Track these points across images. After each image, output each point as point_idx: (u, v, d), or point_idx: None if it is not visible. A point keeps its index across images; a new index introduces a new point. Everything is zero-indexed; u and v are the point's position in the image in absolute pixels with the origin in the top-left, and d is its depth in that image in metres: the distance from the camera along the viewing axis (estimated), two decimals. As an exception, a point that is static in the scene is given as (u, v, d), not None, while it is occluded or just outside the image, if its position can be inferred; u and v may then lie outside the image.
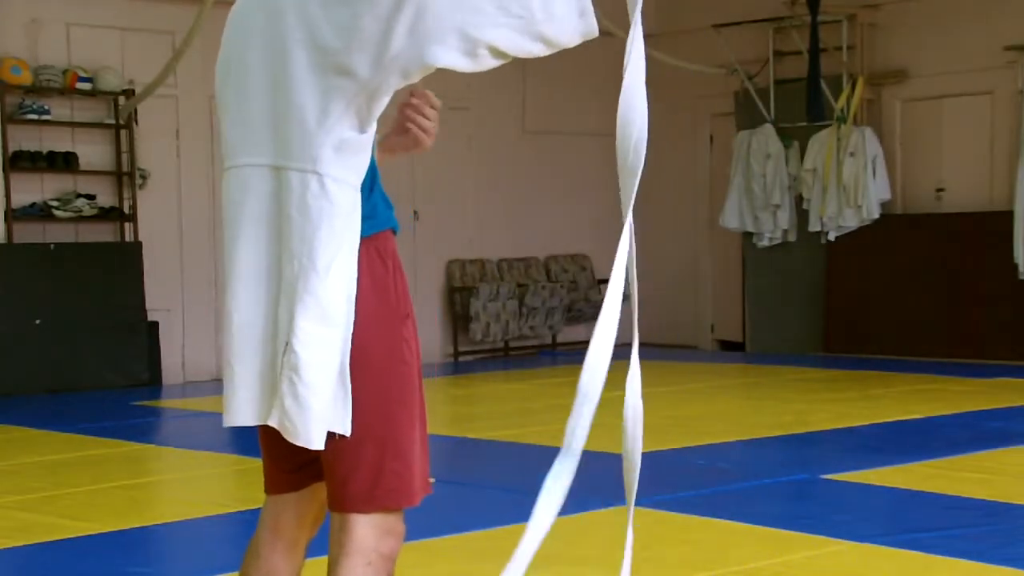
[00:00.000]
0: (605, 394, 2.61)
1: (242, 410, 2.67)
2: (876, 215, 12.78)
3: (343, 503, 2.71)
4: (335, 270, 2.57)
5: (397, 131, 2.83)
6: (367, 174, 2.65)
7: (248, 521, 4.77)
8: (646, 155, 2.61)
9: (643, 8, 2.55)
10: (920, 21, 12.88)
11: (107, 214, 11.58)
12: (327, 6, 2.54)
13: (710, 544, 5.28)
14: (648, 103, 2.62)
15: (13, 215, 11.09)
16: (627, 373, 2.68)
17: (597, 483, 6.63)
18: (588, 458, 8.11)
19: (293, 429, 2.60)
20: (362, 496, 2.70)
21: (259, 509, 2.95)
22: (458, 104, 13.34)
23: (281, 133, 2.61)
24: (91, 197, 11.50)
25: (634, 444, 2.68)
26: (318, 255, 2.56)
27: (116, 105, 11.58)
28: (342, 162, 2.58)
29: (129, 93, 11.51)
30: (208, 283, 11.88)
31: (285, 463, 2.83)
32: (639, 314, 2.73)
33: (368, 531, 2.71)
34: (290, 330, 2.58)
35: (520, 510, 6.14)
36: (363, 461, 2.69)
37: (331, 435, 2.65)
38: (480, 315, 13.35)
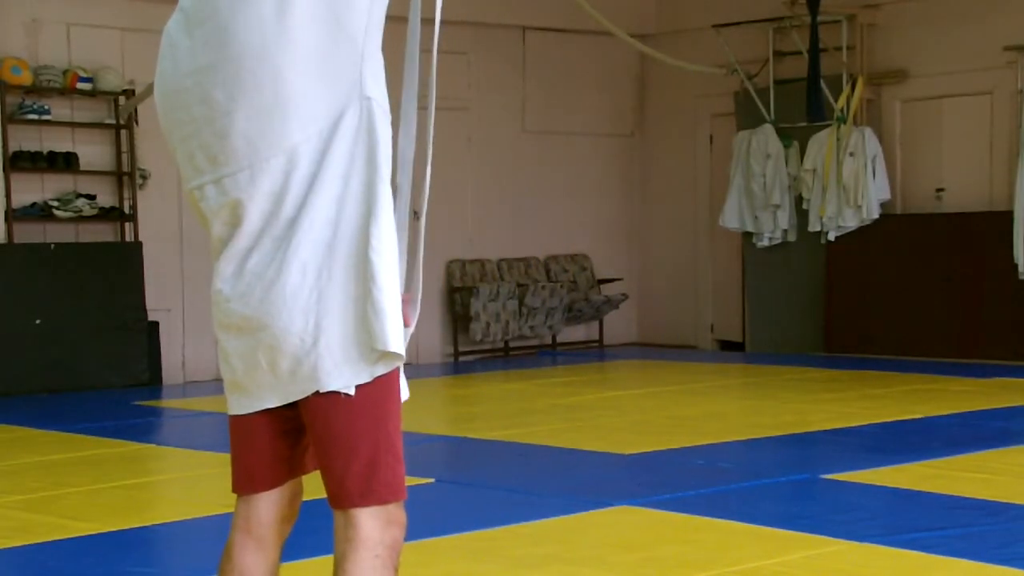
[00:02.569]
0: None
1: (333, 375, 2.71)
2: (876, 215, 12.79)
3: (343, 499, 2.75)
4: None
5: None
6: None
7: (248, 521, 4.76)
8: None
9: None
10: (920, 21, 12.89)
11: (107, 214, 11.58)
12: None
13: (710, 544, 5.28)
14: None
15: (13, 215, 11.09)
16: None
17: (596, 483, 6.65)
18: (585, 458, 8.14)
19: (380, 335, 2.67)
20: (360, 490, 2.74)
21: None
22: (458, 104, 13.35)
23: (313, 99, 2.67)
24: (91, 197, 11.50)
25: None
26: (382, 168, 2.71)
27: (116, 105, 11.58)
28: (377, 84, 2.73)
29: (129, 93, 11.52)
30: (208, 283, 11.87)
31: (269, 455, 2.86)
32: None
33: (372, 524, 2.75)
34: (366, 244, 2.69)
35: (520, 510, 6.17)
36: (360, 455, 2.74)
37: (332, 425, 2.72)
38: (480, 315, 13.35)
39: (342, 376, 2.71)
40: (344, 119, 2.69)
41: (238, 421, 2.87)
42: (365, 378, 2.72)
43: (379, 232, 2.70)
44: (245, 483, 2.92)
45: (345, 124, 2.69)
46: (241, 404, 2.84)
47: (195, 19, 2.70)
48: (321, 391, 2.72)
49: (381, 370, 2.73)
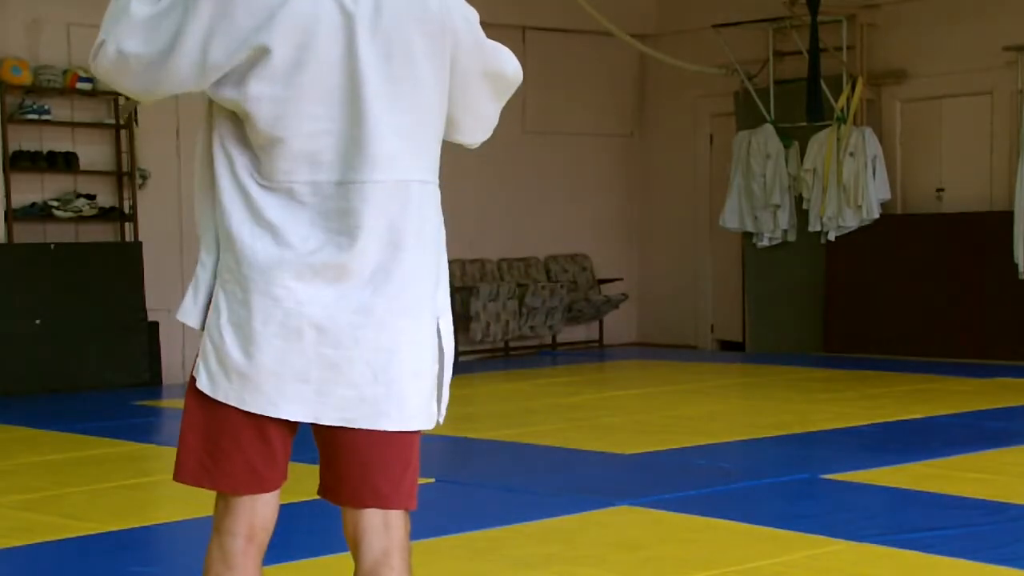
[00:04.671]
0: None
1: (416, 414, 2.77)
2: (876, 215, 12.79)
3: (395, 499, 2.76)
4: None
5: None
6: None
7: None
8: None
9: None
10: (920, 21, 12.89)
11: (107, 214, 11.58)
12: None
13: (710, 544, 5.28)
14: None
15: (13, 215, 11.10)
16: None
17: (595, 483, 6.65)
18: (586, 458, 8.14)
19: (439, 415, 2.85)
20: (410, 493, 2.78)
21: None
22: (458, 104, 13.34)
23: (428, 147, 2.78)
24: (91, 197, 11.51)
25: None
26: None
27: (116, 105, 11.59)
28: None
29: (129, 93, 11.50)
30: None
31: (281, 451, 2.76)
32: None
33: (406, 525, 2.79)
34: (444, 324, 2.82)
35: (520, 510, 6.17)
36: (413, 459, 2.79)
37: (394, 442, 2.76)
38: (480, 315, 13.35)
39: (419, 419, 2.78)
40: (428, 189, 2.81)
41: (247, 414, 2.70)
42: (429, 425, 2.82)
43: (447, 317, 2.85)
44: (254, 483, 2.74)
45: (430, 192, 2.82)
46: (257, 403, 2.69)
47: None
48: (373, 428, 2.73)
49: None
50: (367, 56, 2.66)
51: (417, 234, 2.73)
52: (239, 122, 2.70)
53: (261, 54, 2.62)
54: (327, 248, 2.66)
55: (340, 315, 2.67)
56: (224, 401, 2.70)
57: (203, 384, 2.71)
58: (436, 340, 2.81)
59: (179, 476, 2.78)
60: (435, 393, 2.81)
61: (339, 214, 2.66)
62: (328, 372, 2.68)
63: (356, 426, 2.70)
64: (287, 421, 2.74)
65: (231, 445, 2.73)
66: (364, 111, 2.66)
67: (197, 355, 2.75)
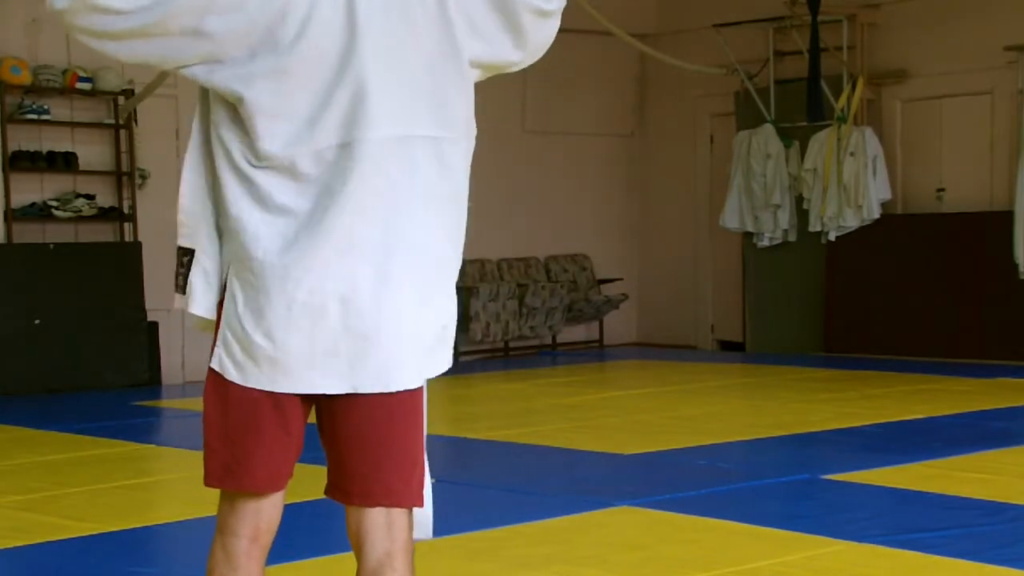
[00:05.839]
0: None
1: (406, 375, 2.69)
2: (876, 215, 12.79)
3: (405, 497, 2.74)
4: None
5: None
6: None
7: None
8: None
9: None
10: (920, 21, 12.89)
11: (107, 214, 11.58)
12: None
13: (710, 544, 5.28)
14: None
15: (13, 215, 11.10)
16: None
17: (595, 483, 6.65)
18: (585, 458, 8.14)
19: (449, 353, 2.80)
20: (418, 491, 2.76)
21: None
22: (458, 104, 13.33)
23: (437, 102, 2.73)
24: (91, 197, 11.50)
25: None
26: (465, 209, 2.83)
27: (116, 105, 11.58)
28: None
29: (129, 93, 11.51)
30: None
31: (297, 443, 2.73)
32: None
33: (409, 524, 2.76)
34: (453, 281, 2.77)
35: (520, 510, 6.18)
36: (421, 457, 2.76)
37: (396, 426, 2.70)
38: (480, 315, 13.35)
39: (419, 375, 2.71)
40: (445, 147, 2.77)
41: (270, 403, 2.66)
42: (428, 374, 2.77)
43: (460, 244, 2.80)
44: (274, 479, 2.71)
45: (450, 152, 2.78)
46: (291, 383, 2.64)
47: None
48: (407, 388, 2.69)
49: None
50: (365, 17, 2.63)
51: (424, 189, 2.69)
52: (233, 107, 2.66)
53: (269, 33, 2.61)
54: (335, 217, 2.62)
55: (360, 283, 2.63)
56: (255, 387, 2.65)
57: (232, 375, 2.65)
58: (455, 294, 2.78)
59: (207, 480, 2.73)
60: (450, 342, 2.80)
61: (340, 178, 2.62)
62: (358, 343, 2.63)
63: (391, 390, 2.66)
64: (305, 409, 2.70)
65: (253, 441, 2.68)
66: (361, 70, 2.63)
67: (213, 346, 2.70)
